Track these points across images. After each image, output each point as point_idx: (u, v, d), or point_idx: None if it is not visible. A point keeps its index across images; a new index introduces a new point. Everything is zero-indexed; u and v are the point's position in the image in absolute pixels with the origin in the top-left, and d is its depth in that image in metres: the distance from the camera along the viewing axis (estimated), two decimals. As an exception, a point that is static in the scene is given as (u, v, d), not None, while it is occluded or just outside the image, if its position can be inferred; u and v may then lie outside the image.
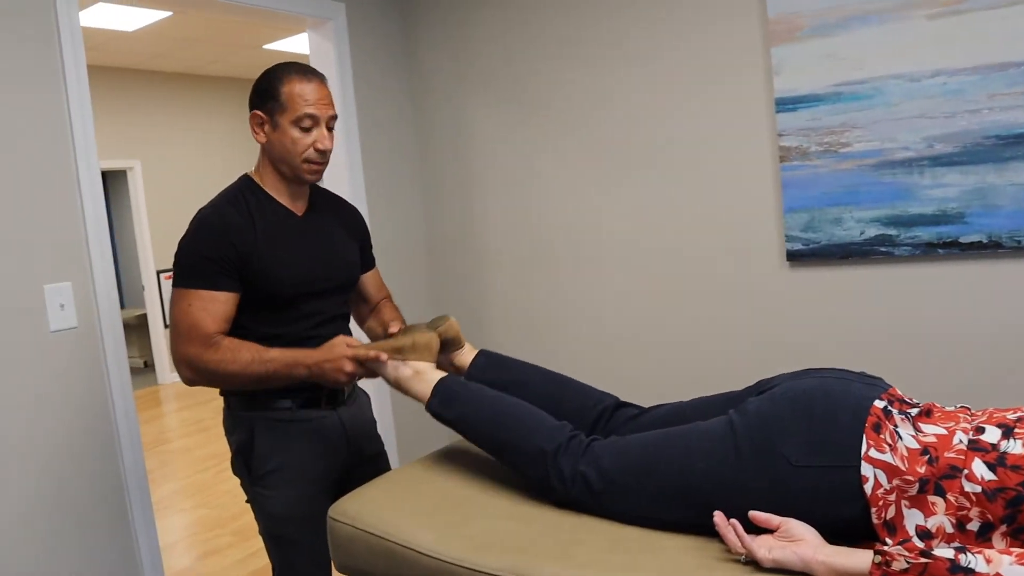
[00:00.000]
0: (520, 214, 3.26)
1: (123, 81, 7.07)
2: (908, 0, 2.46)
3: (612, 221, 3.03)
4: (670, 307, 2.95)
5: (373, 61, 3.29)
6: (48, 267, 2.21)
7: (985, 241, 2.44)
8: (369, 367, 1.70)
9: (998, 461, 1.18)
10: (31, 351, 2.16)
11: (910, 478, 1.21)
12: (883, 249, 2.58)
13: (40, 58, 2.21)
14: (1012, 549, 1.08)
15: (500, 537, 1.40)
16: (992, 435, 1.23)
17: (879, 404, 1.29)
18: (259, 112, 1.77)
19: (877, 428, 1.25)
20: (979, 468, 1.19)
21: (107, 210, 2.44)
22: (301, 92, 1.73)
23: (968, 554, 1.06)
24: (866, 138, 2.55)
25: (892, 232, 2.56)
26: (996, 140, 2.40)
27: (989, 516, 1.17)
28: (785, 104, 2.65)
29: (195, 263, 1.72)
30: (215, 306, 1.72)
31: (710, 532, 1.31)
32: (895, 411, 1.30)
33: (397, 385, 1.70)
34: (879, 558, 1.11)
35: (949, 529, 1.19)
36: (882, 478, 1.22)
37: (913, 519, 1.21)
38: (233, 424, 1.85)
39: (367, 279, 2.09)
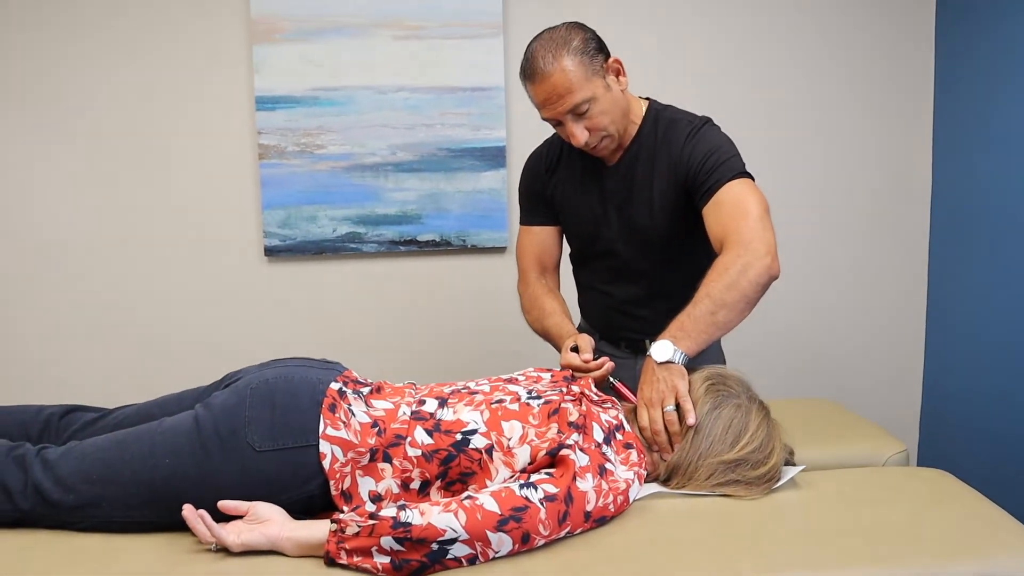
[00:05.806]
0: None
1: None
2: (377, 19, 2.69)
3: (101, 219, 2.75)
4: (154, 303, 2.80)
5: None
6: None
7: (438, 240, 2.81)
8: None
9: (435, 427, 1.39)
10: None
11: (362, 449, 1.36)
12: (353, 245, 2.80)
13: None
14: (440, 500, 1.28)
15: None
16: (431, 406, 1.44)
17: (335, 386, 1.42)
18: None
19: (333, 408, 1.38)
20: (420, 434, 1.38)
21: None
22: (532, 95, 1.66)
23: (407, 510, 1.23)
24: (339, 142, 2.74)
25: (361, 230, 2.79)
26: (447, 152, 2.77)
27: (427, 475, 1.37)
28: (265, 103, 2.71)
29: (520, 200, 1.94)
30: (530, 238, 1.90)
31: (184, 528, 1.30)
32: (349, 391, 1.44)
33: None
34: (335, 526, 1.22)
35: (396, 490, 1.37)
36: (338, 453, 1.35)
37: (366, 485, 1.36)
38: None
39: None
